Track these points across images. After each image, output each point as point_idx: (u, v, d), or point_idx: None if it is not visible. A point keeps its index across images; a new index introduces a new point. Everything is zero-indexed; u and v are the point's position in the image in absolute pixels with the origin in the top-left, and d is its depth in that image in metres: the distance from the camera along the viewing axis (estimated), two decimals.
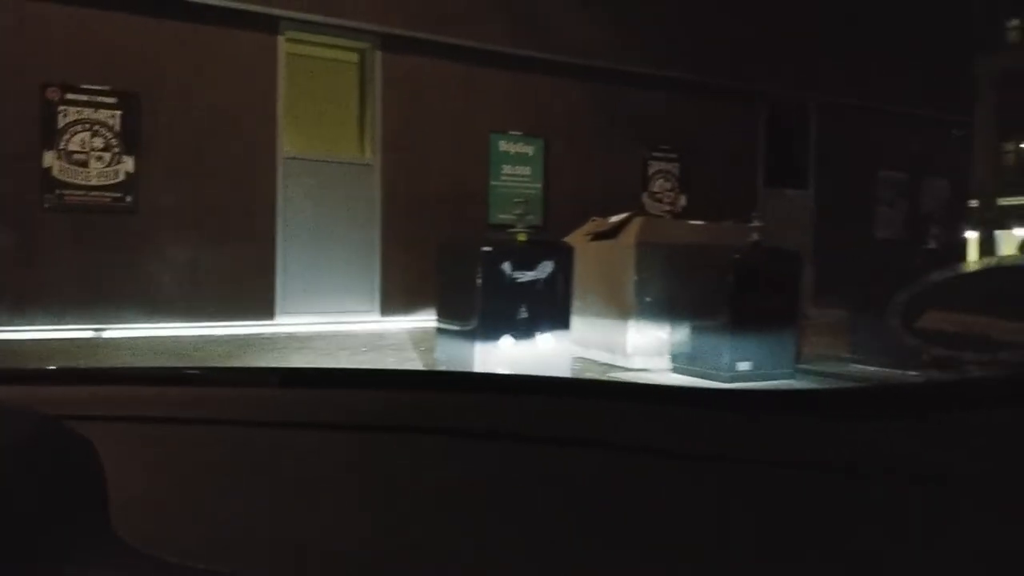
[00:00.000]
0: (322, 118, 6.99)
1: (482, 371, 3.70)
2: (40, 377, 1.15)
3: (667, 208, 8.48)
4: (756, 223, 4.80)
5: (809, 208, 9.35)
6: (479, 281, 3.91)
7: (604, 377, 4.70)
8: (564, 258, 4.14)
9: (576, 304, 5.46)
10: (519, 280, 3.97)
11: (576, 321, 5.46)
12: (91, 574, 0.59)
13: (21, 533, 0.58)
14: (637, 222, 5.28)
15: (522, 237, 4.05)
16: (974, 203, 19.08)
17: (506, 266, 3.93)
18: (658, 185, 8.54)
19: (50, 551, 0.59)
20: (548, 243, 4.24)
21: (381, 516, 0.67)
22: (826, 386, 4.85)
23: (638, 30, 8.10)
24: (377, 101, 6.96)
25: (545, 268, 4.03)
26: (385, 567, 0.60)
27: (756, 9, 8.62)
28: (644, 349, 5.08)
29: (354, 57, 7.05)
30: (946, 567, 0.55)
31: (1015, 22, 17.16)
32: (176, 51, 6.18)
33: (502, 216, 7.32)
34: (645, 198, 8.41)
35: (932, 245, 5.57)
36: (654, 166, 8.53)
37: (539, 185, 7.73)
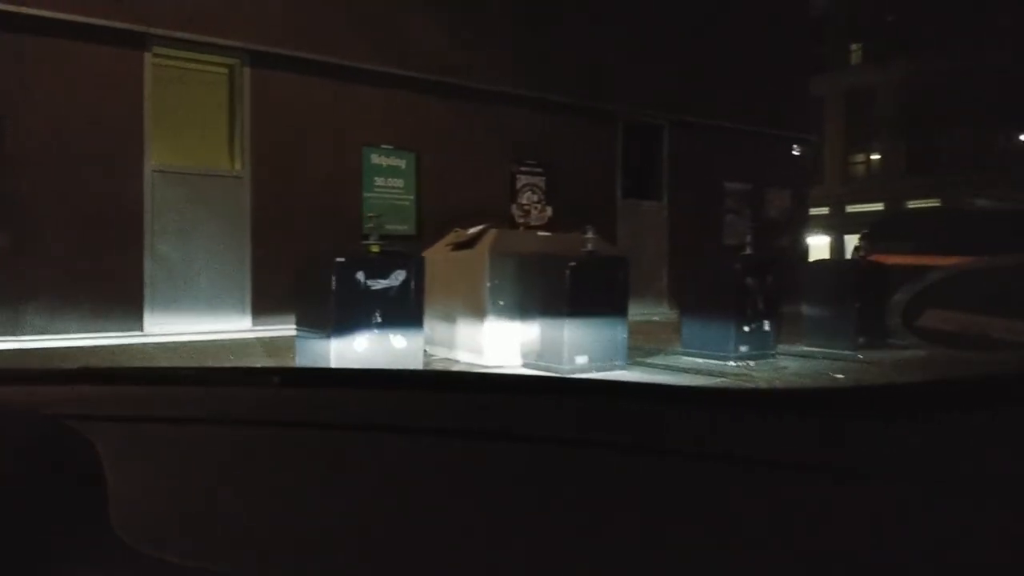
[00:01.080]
0: (191, 131, 7.13)
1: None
2: (40, 377, 1.16)
3: (523, 219, 9.04)
4: (590, 235, 5.38)
5: (664, 217, 10.18)
6: (334, 289, 4.26)
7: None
8: (415, 267, 4.55)
9: (440, 309, 5.91)
10: (372, 288, 4.34)
11: (441, 324, 5.90)
12: (91, 574, 0.60)
13: (22, 532, 0.60)
14: (491, 234, 5.77)
15: (375, 248, 4.43)
16: (825, 211, 20.93)
17: (360, 275, 4.31)
18: (526, 197, 9.11)
19: (51, 550, 0.60)
20: (400, 254, 4.63)
21: (381, 516, 0.67)
22: (660, 374, 5.48)
23: (505, 53, 8.66)
24: (247, 114, 7.17)
25: (398, 276, 4.42)
26: (385, 567, 0.61)
27: (613, 35, 9.36)
28: (499, 348, 5.57)
29: (223, 71, 7.23)
30: (946, 567, 0.55)
31: (856, 46, 18.98)
32: (40, 66, 6.20)
33: None
34: (514, 209, 8.95)
35: (748, 251, 6.33)
36: (522, 179, 9.09)
37: (412, 196, 8.12)
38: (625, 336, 5.41)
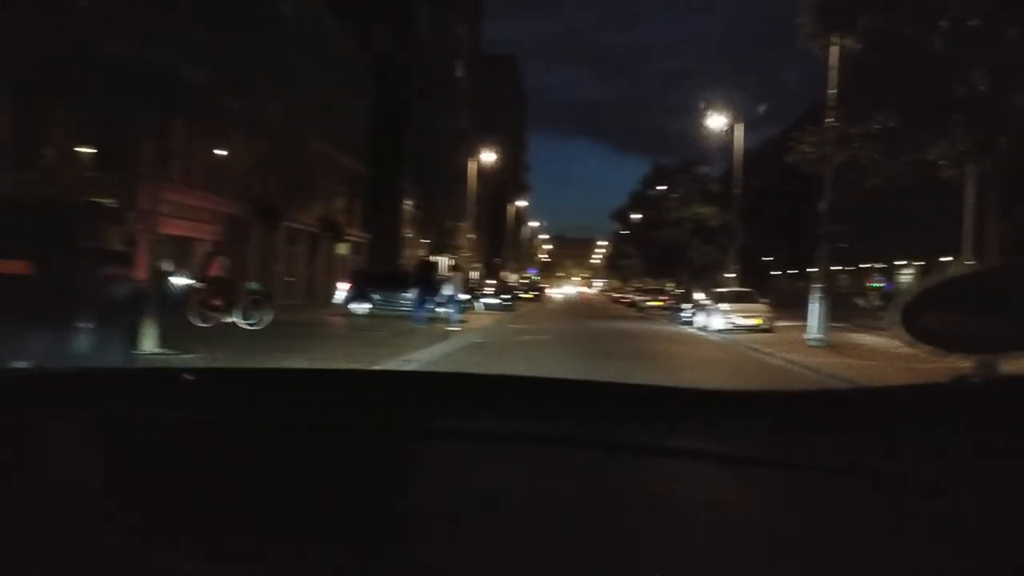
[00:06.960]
0: None
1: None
2: (40, 377, 1.16)
3: None
4: None
5: None
6: None
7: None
8: None
9: None
10: None
11: None
12: (91, 574, 0.59)
13: (21, 532, 0.61)
14: None
15: None
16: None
17: None
18: None
19: (50, 551, 0.60)
20: None
21: (380, 516, 0.68)
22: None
23: None
24: None
25: None
26: (385, 567, 0.61)
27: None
28: None
29: None
30: (945, 566, 0.57)
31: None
32: None
33: None
34: None
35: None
36: None
37: None
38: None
